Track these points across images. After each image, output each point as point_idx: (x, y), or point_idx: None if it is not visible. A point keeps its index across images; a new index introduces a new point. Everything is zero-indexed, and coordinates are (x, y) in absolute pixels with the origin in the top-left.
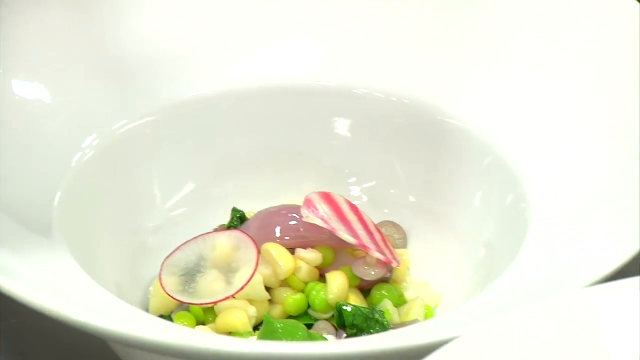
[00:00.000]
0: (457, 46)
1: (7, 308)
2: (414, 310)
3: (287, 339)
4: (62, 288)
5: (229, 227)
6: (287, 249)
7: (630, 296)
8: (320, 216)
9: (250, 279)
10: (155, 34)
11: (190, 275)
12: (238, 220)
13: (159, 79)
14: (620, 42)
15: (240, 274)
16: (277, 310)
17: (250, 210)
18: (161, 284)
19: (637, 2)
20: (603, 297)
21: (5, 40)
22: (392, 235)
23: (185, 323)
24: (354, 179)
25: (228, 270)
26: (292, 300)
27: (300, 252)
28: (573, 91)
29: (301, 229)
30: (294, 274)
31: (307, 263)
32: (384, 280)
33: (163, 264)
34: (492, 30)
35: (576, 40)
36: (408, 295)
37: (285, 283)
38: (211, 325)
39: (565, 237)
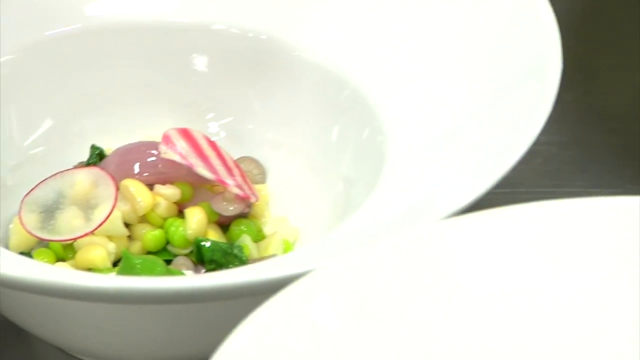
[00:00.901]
0: None
1: None
2: (272, 245)
3: (145, 275)
4: None
5: (88, 164)
6: (146, 185)
7: (482, 228)
8: (179, 152)
9: (109, 215)
10: None
11: (49, 212)
12: (97, 157)
13: (16, 17)
14: None
15: (99, 210)
16: (136, 246)
17: (109, 147)
18: (20, 221)
19: None
20: (457, 230)
21: None
22: (251, 171)
23: (45, 259)
24: (211, 115)
25: (87, 206)
26: (150, 236)
27: (158, 188)
28: (432, 26)
29: (159, 165)
30: (152, 210)
31: (166, 199)
32: (243, 216)
33: (22, 201)
34: None
35: None
36: (267, 230)
37: (144, 219)
38: (71, 261)
39: (422, 170)
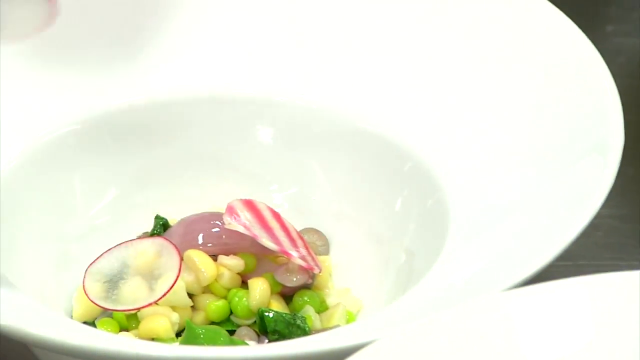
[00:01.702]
0: (375, 51)
1: None
2: (335, 316)
3: (208, 345)
4: None
5: (152, 234)
6: (210, 255)
7: (544, 300)
8: (242, 223)
9: (173, 285)
10: (76, 40)
11: (113, 281)
12: (161, 227)
13: (80, 87)
14: (539, 50)
15: (163, 281)
16: (199, 317)
17: (173, 218)
18: (84, 291)
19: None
20: (518, 301)
21: None
22: (314, 242)
23: (109, 329)
24: (275, 186)
25: (151, 276)
26: (214, 306)
27: (222, 258)
28: (491, 97)
29: (223, 236)
30: (216, 280)
31: (229, 269)
32: (306, 287)
33: (86, 270)
34: (411, 34)
35: (493, 45)
36: (330, 301)
37: (207, 289)
38: (134, 331)
39: (485, 242)
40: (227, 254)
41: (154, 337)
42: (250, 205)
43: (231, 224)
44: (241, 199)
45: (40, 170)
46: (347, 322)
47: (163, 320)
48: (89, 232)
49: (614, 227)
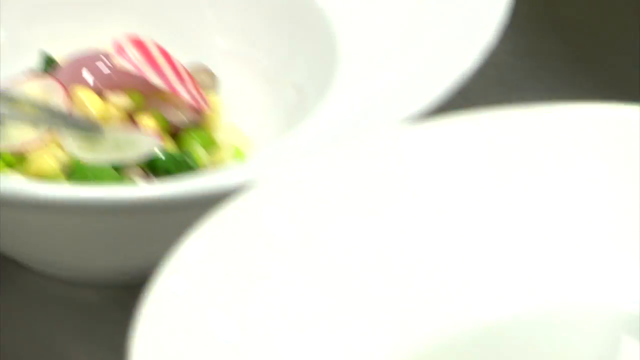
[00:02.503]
0: None
1: None
2: (224, 154)
3: (96, 183)
4: None
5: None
6: (97, 93)
7: (437, 135)
8: (130, 60)
9: None
10: None
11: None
12: (48, 65)
13: None
14: None
15: None
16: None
17: (59, 55)
18: None
19: None
20: (411, 135)
21: None
22: (203, 80)
23: None
24: (164, 22)
25: None
26: None
27: (110, 97)
28: None
29: (111, 74)
30: (104, 118)
31: (118, 108)
32: (195, 125)
33: None
34: None
35: None
36: (218, 139)
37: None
38: (21, 169)
39: (376, 78)
40: (115, 92)
41: (42, 175)
42: (138, 42)
43: (119, 62)
44: (129, 36)
45: None
46: (236, 159)
47: (50, 159)
48: None
49: (508, 63)
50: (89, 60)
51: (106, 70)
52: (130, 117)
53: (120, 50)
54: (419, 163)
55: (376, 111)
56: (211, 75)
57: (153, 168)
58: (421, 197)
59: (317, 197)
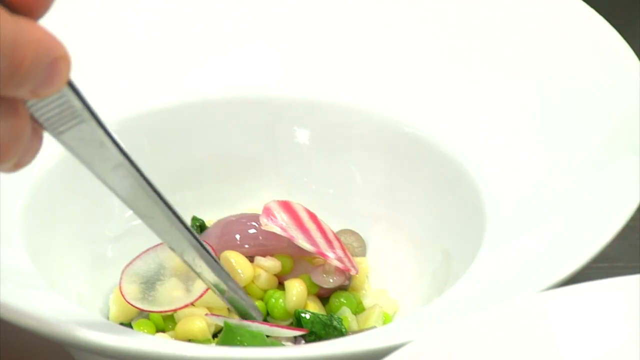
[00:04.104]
0: (413, 52)
1: None
2: (372, 317)
3: (246, 346)
4: (21, 296)
5: None
6: (246, 257)
7: (580, 301)
8: (279, 224)
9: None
10: (112, 45)
11: (149, 283)
12: (197, 228)
13: (116, 88)
14: (578, 53)
15: (199, 282)
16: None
17: (209, 219)
18: (121, 292)
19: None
20: (555, 302)
21: None
22: (351, 244)
23: (145, 330)
24: (313, 187)
25: (187, 278)
26: None
27: (259, 260)
28: (530, 100)
29: (260, 237)
30: (252, 281)
31: (266, 271)
32: (343, 288)
33: (123, 271)
34: (449, 37)
35: (532, 50)
36: (366, 302)
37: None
38: (170, 332)
39: (520, 244)
40: (263, 255)
41: (191, 338)
42: (286, 206)
43: (268, 225)
44: (278, 200)
45: (77, 171)
46: (384, 323)
47: (200, 322)
48: (125, 233)
49: None
50: (239, 224)
51: (255, 234)
52: (279, 280)
53: (269, 213)
54: (561, 329)
55: (520, 278)
56: (360, 239)
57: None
58: None
59: None
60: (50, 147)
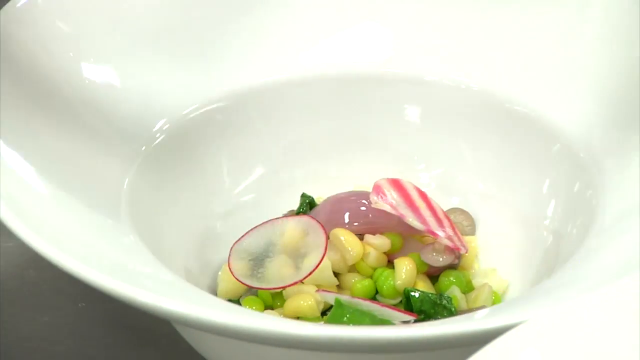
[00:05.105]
0: (528, 35)
1: (77, 291)
2: (481, 297)
3: (354, 324)
4: (131, 272)
5: (298, 212)
6: (356, 234)
7: None
8: (389, 202)
9: (319, 264)
10: (227, 18)
11: (258, 260)
12: (307, 205)
13: (229, 63)
14: None
15: (309, 259)
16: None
17: (319, 196)
18: (230, 269)
19: None
20: None
21: (75, 23)
22: (461, 222)
23: (254, 307)
24: (423, 166)
25: (297, 255)
26: (360, 285)
27: (368, 237)
28: None
29: (370, 215)
30: (362, 259)
31: (376, 249)
32: (452, 267)
33: (232, 248)
34: (563, 23)
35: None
36: (476, 281)
37: (353, 268)
38: (279, 309)
39: (633, 224)
40: (373, 233)
41: (299, 315)
42: (396, 184)
43: (378, 202)
44: (388, 178)
45: (186, 147)
46: (493, 302)
47: (309, 299)
48: (234, 209)
49: None
50: (348, 201)
51: (365, 212)
52: (388, 259)
53: (379, 191)
54: None
55: (633, 257)
56: (469, 218)
57: (410, 309)
58: None
59: (575, 344)
60: (159, 123)
